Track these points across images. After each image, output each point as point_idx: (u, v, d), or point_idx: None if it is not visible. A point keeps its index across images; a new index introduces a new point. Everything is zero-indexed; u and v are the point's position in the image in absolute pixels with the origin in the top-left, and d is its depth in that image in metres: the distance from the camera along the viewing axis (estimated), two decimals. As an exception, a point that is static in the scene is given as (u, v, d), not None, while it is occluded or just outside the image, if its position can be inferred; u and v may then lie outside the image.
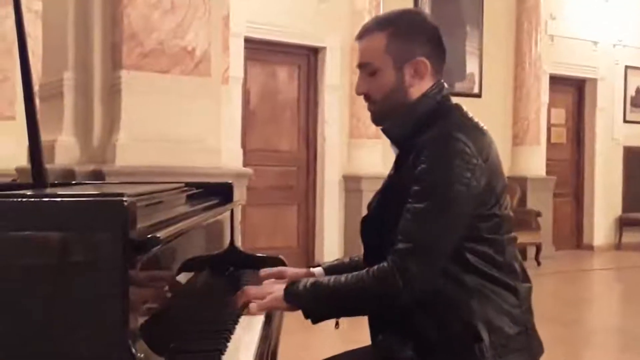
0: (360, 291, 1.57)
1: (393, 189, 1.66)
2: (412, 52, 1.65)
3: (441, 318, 1.58)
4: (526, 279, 1.69)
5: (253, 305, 1.65)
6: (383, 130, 1.72)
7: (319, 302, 1.61)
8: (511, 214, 1.67)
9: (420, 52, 1.65)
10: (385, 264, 1.55)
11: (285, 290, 1.64)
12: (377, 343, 1.73)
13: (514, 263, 1.65)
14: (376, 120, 1.73)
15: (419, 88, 1.66)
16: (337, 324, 1.73)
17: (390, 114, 1.69)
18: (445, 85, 1.71)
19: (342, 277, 1.60)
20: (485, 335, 1.55)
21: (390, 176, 1.71)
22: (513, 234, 1.67)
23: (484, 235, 1.59)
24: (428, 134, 1.58)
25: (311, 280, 1.65)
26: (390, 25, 1.67)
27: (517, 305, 1.62)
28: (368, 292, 1.57)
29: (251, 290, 1.72)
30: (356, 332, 1.69)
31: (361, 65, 1.71)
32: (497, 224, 1.61)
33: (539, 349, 1.69)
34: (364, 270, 1.58)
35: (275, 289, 1.68)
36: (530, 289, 1.69)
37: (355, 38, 1.73)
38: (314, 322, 1.63)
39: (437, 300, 1.57)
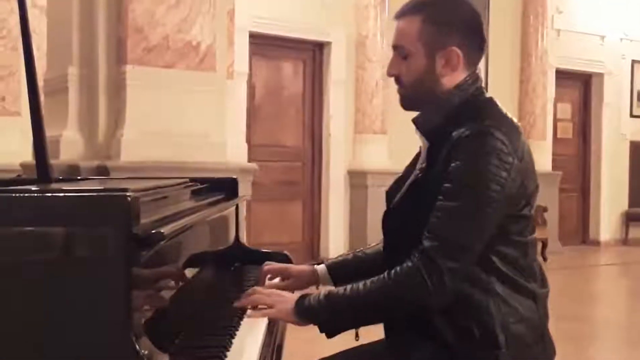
0: (384, 297, 1.50)
1: (422, 184, 1.59)
2: (445, 41, 1.58)
3: (461, 322, 1.53)
4: (544, 283, 1.65)
5: (257, 313, 1.59)
6: (414, 122, 1.66)
7: (336, 315, 1.53)
8: (534, 214, 1.63)
9: (453, 42, 1.58)
10: (409, 264, 1.48)
11: (296, 305, 1.55)
12: (392, 342, 1.68)
13: (534, 265, 1.61)
14: (404, 104, 1.66)
15: (451, 78, 1.60)
16: (357, 335, 1.68)
17: (419, 100, 1.64)
18: (481, 77, 1.65)
19: (361, 285, 1.52)
20: (503, 342, 1.51)
21: (420, 169, 1.62)
22: (535, 235, 1.62)
23: (510, 236, 1.54)
24: (463, 129, 1.51)
25: (324, 291, 1.57)
26: (427, 10, 1.61)
27: (535, 311, 1.58)
28: (393, 297, 1.50)
29: (258, 294, 1.64)
30: (367, 330, 1.66)
31: (395, 47, 1.65)
32: (525, 225, 1.57)
33: (552, 353, 1.65)
34: (385, 274, 1.51)
35: (285, 299, 1.60)
36: (547, 293, 1.65)
37: (394, 17, 1.67)
38: (330, 336, 1.56)
39: (458, 304, 1.51)
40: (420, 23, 1.59)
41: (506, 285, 1.54)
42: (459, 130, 1.51)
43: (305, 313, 1.54)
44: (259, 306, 1.61)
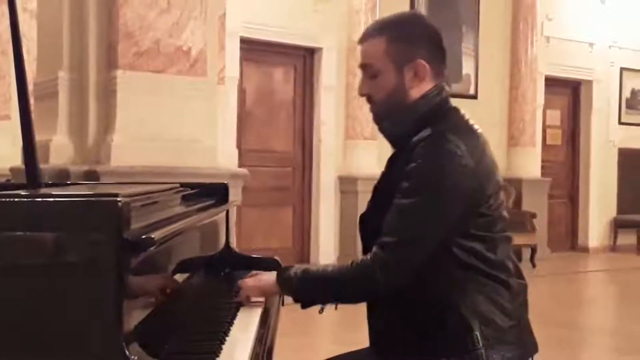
0: (343, 281, 1.65)
1: (384, 187, 1.70)
2: (412, 55, 1.68)
3: (434, 310, 1.61)
4: (520, 276, 1.72)
5: (246, 289, 1.78)
6: (380, 130, 1.76)
7: (307, 289, 1.69)
8: (505, 214, 1.69)
9: (419, 55, 1.68)
10: (367, 256, 1.61)
11: (278, 274, 1.73)
12: (376, 347, 1.74)
13: (506, 262, 1.67)
14: (378, 120, 1.76)
15: (419, 90, 1.69)
16: (321, 309, 1.78)
17: (391, 114, 1.72)
18: (446, 87, 1.74)
19: (330, 267, 1.71)
20: (476, 326, 1.58)
21: (383, 174, 1.76)
22: (508, 233, 1.69)
23: (472, 231, 1.61)
24: (422, 134, 1.61)
25: (303, 266, 1.74)
26: (390, 29, 1.72)
27: (509, 299, 1.64)
28: (349, 283, 1.64)
29: (248, 282, 1.83)
30: (351, 333, 1.70)
31: (363, 67, 1.75)
32: (488, 222, 1.63)
33: (533, 347, 1.71)
34: (349, 262, 1.65)
35: (269, 273, 1.81)
36: (524, 286, 1.72)
37: (358, 41, 1.78)
38: (303, 307, 1.71)
39: (430, 294, 1.61)
40: (386, 42, 1.71)
41: (476, 276, 1.62)
42: (419, 135, 1.62)
43: (283, 282, 1.72)
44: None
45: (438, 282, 1.61)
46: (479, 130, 1.69)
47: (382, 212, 1.63)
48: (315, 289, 1.69)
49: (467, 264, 1.60)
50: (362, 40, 1.75)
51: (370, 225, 1.70)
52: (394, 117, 1.71)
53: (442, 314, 1.60)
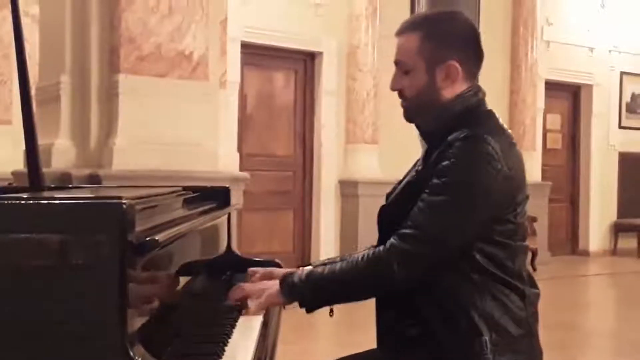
0: (355, 276, 1.59)
1: (417, 183, 1.65)
2: (444, 56, 1.65)
3: (446, 311, 1.59)
4: (534, 285, 1.69)
5: (251, 306, 1.67)
6: (416, 124, 1.73)
7: (315, 291, 1.62)
8: (526, 223, 1.68)
9: (452, 56, 1.65)
10: (381, 247, 1.57)
11: (281, 283, 1.65)
12: (384, 348, 1.73)
13: (522, 271, 1.66)
14: (408, 116, 1.74)
15: (451, 90, 1.66)
16: (331, 311, 1.74)
17: (421, 111, 1.70)
18: (482, 89, 1.72)
19: (338, 265, 1.63)
20: (486, 331, 1.56)
21: (417, 171, 1.71)
22: (526, 243, 1.68)
23: (496, 237, 1.59)
24: (459, 134, 1.58)
25: (306, 270, 1.66)
26: (425, 27, 1.68)
27: (522, 308, 1.62)
28: (362, 277, 1.59)
29: (246, 286, 1.75)
30: (355, 336, 1.69)
31: (396, 62, 1.72)
32: (512, 230, 1.62)
33: (539, 357, 1.69)
34: (359, 255, 1.61)
35: (269, 285, 1.69)
36: (538, 295, 1.69)
37: (395, 34, 1.73)
38: (309, 311, 1.65)
39: (444, 294, 1.58)
40: (420, 39, 1.66)
41: (493, 281, 1.59)
42: (455, 135, 1.58)
43: (288, 290, 1.63)
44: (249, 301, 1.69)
45: (454, 284, 1.58)
46: (514, 140, 1.67)
47: (407, 204, 1.60)
48: (325, 289, 1.62)
49: (485, 270, 1.58)
50: (398, 33, 1.71)
51: (393, 218, 1.66)
52: (426, 114, 1.69)
53: (453, 316, 1.58)
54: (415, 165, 1.78)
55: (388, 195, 1.78)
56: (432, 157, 1.62)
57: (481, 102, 1.70)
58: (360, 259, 1.60)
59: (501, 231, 1.59)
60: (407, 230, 1.55)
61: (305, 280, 1.63)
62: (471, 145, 1.56)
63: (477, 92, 1.69)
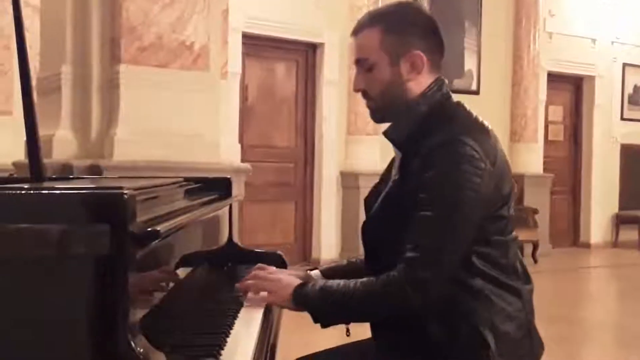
0: (370, 300, 1.55)
1: (396, 195, 1.61)
2: (407, 46, 1.61)
3: (449, 322, 1.56)
4: (528, 279, 1.67)
5: (255, 297, 1.66)
6: (384, 134, 1.69)
7: (328, 307, 1.58)
8: (512, 212, 1.65)
9: (415, 46, 1.61)
10: (395, 273, 1.51)
11: (294, 293, 1.61)
12: (379, 342, 1.71)
13: (516, 263, 1.64)
14: (375, 116, 1.71)
15: (417, 82, 1.62)
16: (347, 330, 1.70)
17: (388, 110, 1.67)
18: (446, 81, 1.67)
19: (352, 283, 1.56)
20: (491, 341, 1.54)
21: (394, 181, 1.65)
22: (515, 233, 1.65)
23: (489, 237, 1.57)
24: (434, 139, 1.54)
25: (320, 283, 1.62)
26: (384, 20, 1.65)
27: (521, 309, 1.60)
28: (377, 302, 1.54)
29: (260, 274, 1.72)
30: (357, 327, 1.68)
31: (357, 62, 1.68)
32: (504, 225, 1.60)
33: (540, 349, 1.68)
34: (374, 278, 1.54)
35: (284, 283, 1.66)
36: (531, 291, 1.67)
37: (351, 34, 1.71)
38: (324, 326, 1.61)
39: (445, 305, 1.55)
40: (381, 33, 1.63)
41: (491, 285, 1.57)
42: (430, 139, 1.54)
43: (301, 302, 1.59)
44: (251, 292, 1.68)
45: (453, 293, 1.54)
46: (488, 126, 1.63)
47: (389, 219, 1.57)
48: (338, 307, 1.57)
49: (483, 273, 1.56)
50: (355, 32, 1.68)
51: (377, 231, 1.64)
52: (394, 119, 1.66)
53: (455, 326, 1.55)
54: (389, 168, 1.74)
55: (366, 202, 1.74)
56: (410, 167, 1.57)
57: (447, 96, 1.65)
58: (375, 283, 1.53)
59: (494, 229, 1.57)
60: (411, 254, 1.50)
61: (318, 294, 1.58)
62: (450, 151, 1.51)
63: (441, 86, 1.64)
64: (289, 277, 1.69)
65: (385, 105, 1.66)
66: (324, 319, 1.60)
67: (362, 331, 1.73)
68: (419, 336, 1.58)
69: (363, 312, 1.59)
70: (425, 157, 1.53)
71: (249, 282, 1.73)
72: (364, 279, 1.56)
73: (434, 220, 1.50)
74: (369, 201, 1.74)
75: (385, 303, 1.54)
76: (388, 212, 1.62)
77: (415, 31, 1.63)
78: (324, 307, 1.58)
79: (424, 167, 1.52)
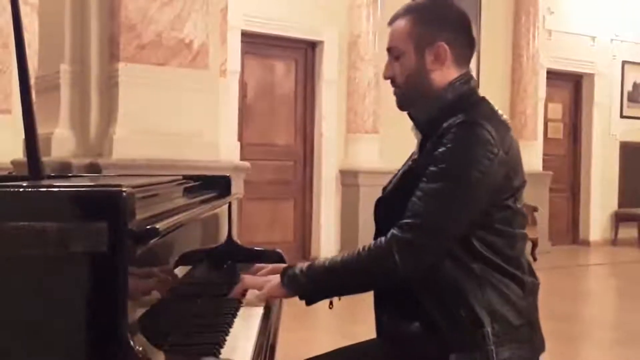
0: (357, 267, 1.58)
1: (413, 173, 1.64)
2: (433, 38, 1.66)
3: (447, 302, 1.58)
4: (533, 275, 1.69)
5: (251, 297, 1.68)
6: (409, 115, 1.73)
7: (316, 283, 1.62)
8: (524, 210, 1.67)
9: (441, 38, 1.66)
10: (383, 238, 1.56)
11: (282, 275, 1.65)
12: (384, 335, 1.73)
13: (521, 259, 1.65)
14: (401, 104, 1.74)
15: (441, 74, 1.67)
16: (330, 303, 1.73)
17: (413, 98, 1.71)
18: (474, 78, 1.72)
19: (339, 256, 1.63)
20: (487, 323, 1.56)
21: (413, 160, 1.71)
22: (525, 230, 1.67)
23: (495, 225, 1.59)
24: (454, 120, 1.58)
25: (306, 263, 1.66)
26: (416, 12, 1.70)
27: (522, 297, 1.62)
28: (364, 268, 1.58)
29: (248, 279, 1.75)
30: (356, 326, 1.68)
31: (389, 50, 1.73)
32: (510, 216, 1.61)
33: (541, 346, 1.69)
34: (361, 246, 1.59)
35: (271, 277, 1.70)
36: (537, 285, 1.69)
37: (388, 23, 1.76)
38: (308, 303, 1.65)
39: (444, 285, 1.58)
40: (411, 23, 1.69)
41: (492, 270, 1.59)
42: (450, 120, 1.58)
43: (290, 282, 1.63)
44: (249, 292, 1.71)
45: (453, 275, 1.57)
46: (509, 123, 1.66)
47: (404, 195, 1.59)
48: (326, 281, 1.61)
49: (485, 258, 1.58)
50: (390, 22, 1.74)
51: (391, 208, 1.66)
52: (418, 103, 1.69)
53: (453, 307, 1.57)
54: (410, 156, 1.77)
55: (385, 188, 1.77)
56: (428, 145, 1.62)
57: (473, 90, 1.70)
58: (361, 249, 1.59)
59: (500, 218, 1.59)
60: (407, 220, 1.54)
61: (306, 272, 1.62)
62: (467, 131, 1.56)
63: (468, 81, 1.70)
64: (276, 275, 1.70)
65: (409, 92, 1.70)
66: (312, 296, 1.63)
67: (362, 330, 1.73)
68: (421, 325, 1.60)
69: (351, 280, 1.62)
70: (443, 134, 1.57)
71: (241, 283, 1.75)
72: (352, 250, 1.61)
73: (437, 192, 1.53)
74: (386, 187, 1.78)
75: (372, 266, 1.57)
76: (403, 188, 1.64)
77: (444, 25, 1.68)
78: (312, 284, 1.62)
79: (438, 143, 1.57)
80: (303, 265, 1.65)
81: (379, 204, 1.73)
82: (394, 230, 1.55)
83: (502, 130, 1.59)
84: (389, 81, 1.74)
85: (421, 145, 1.68)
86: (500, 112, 1.67)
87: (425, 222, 1.53)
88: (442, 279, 1.57)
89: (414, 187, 1.58)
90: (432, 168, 1.55)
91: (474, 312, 1.56)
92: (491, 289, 1.58)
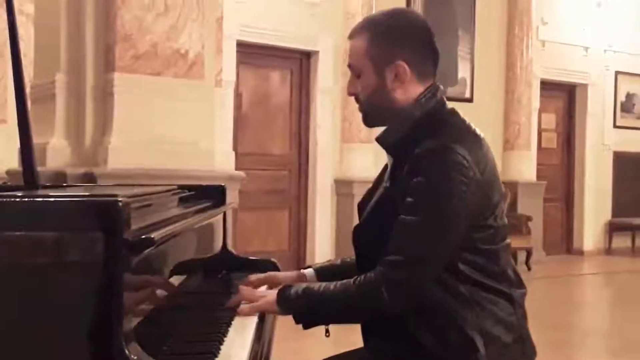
0: (347, 301, 1.57)
1: (388, 200, 1.61)
2: (392, 56, 1.61)
3: (437, 327, 1.56)
4: (520, 284, 1.67)
5: (245, 307, 1.67)
6: (377, 139, 1.70)
7: (310, 309, 1.60)
8: (506, 221, 1.65)
9: (400, 56, 1.61)
10: (372, 274, 1.53)
11: (278, 294, 1.63)
12: (370, 348, 1.72)
13: (507, 270, 1.63)
14: (366, 121, 1.72)
15: (403, 92, 1.62)
16: (327, 331, 1.71)
17: (378, 116, 1.68)
18: (441, 87, 1.66)
19: (332, 285, 1.59)
20: (481, 345, 1.54)
21: (385, 188, 1.66)
22: (508, 240, 1.65)
23: (478, 245, 1.57)
24: (424, 144, 1.53)
25: (303, 286, 1.64)
26: (372, 28, 1.65)
27: (512, 313, 1.61)
28: (354, 303, 1.56)
29: (245, 291, 1.74)
30: (349, 336, 1.69)
31: (349, 66, 1.70)
32: (492, 234, 1.59)
33: (533, 355, 1.68)
34: (352, 280, 1.56)
35: (268, 292, 1.70)
36: (524, 295, 1.67)
37: (347, 37, 1.72)
38: (305, 327, 1.63)
39: (433, 310, 1.56)
40: (367, 41, 1.63)
41: (480, 291, 1.57)
42: (421, 145, 1.53)
43: (284, 303, 1.61)
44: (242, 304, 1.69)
45: (442, 299, 1.55)
46: (481, 134, 1.62)
47: (383, 225, 1.56)
48: (318, 309, 1.59)
49: (472, 279, 1.56)
50: (349, 37, 1.69)
51: (369, 236, 1.64)
52: (387, 123, 1.66)
53: (444, 331, 1.55)
54: (382, 174, 1.75)
55: (359, 207, 1.75)
56: (400, 172, 1.57)
57: (441, 104, 1.64)
58: (353, 282, 1.56)
59: (482, 237, 1.57)
60: (391, 257, 1.51)
61: (301, 296, 1.60)
62: (440, 158, 1.51)
63: (435, 93, 1.63)
64: (273, 291, 1.69)
65: (373, 110, 1.67)
66: (306, 321, 1.62)
67: (356, 340, 1.74)
68: (409, 343, 1.58)
69: (341, 313, 1.61)
70: (415, 162, 1.53)
71: (238, 295, 1.74)
72: (344, 281, 1.58)
73: (417, 225, 1.50)
74: (362, 206, 1.75)
75: (361, 303, 1.56)
76: (379, 218, 1.63)
77: (402, 42, 1.62)
78: (306, 309, 1.60)
79: (412, 172, 1.53)
80: (299, 287, 1.62)
81: (357, 233, 1.70)
82: (380, 268, 1.53)
83: (475, 147, 1.56)
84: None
85: (392, 171, 1.64)
86: (471, 125, 1.63)
87: (408, 258, 1.51)
88: (430, 304, 1.55)
89: (390, 216, 1.55)
90: (409, 199, 1.51)
91: (465, 334, 1.54)
92: (480, 309, 1.56)
